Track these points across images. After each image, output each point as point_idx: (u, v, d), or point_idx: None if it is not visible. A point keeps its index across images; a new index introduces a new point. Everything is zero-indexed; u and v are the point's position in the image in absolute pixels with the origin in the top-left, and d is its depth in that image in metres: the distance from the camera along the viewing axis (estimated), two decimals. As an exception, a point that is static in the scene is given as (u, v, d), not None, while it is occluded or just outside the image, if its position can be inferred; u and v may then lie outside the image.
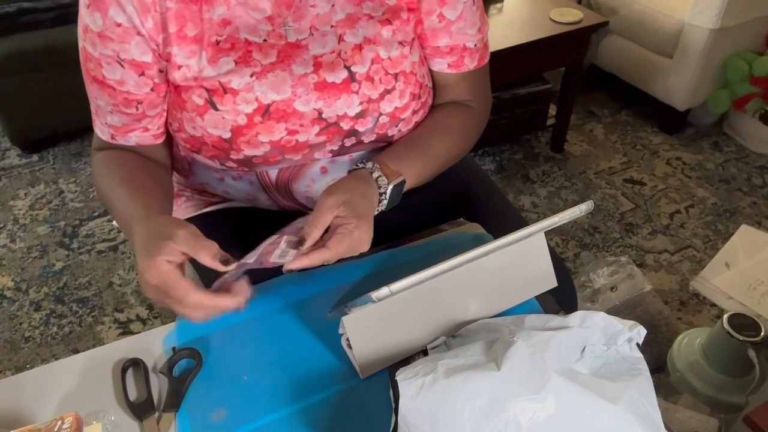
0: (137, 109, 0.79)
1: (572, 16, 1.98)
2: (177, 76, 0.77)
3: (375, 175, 0.79)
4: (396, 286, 0.63)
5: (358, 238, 0.70)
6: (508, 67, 1.95)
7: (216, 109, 0.77)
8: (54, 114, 2.28)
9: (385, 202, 0.78)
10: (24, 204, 2.18)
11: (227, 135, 0.79)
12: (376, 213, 0.78)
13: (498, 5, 2.09)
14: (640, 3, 2.28)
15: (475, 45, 0.88)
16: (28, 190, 2.24)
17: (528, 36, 1.91)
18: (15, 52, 2.13)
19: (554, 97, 2.25)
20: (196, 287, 0.65)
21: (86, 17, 0.74)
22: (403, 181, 0.81)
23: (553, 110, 2.28)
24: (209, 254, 0.65)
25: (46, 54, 2.16)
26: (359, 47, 0.80)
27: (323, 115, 0.80)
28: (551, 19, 1.98)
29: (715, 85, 2.31)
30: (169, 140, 0.88)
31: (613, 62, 2.49)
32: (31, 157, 2.41)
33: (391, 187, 0.78)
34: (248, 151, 0.80)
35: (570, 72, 2.16)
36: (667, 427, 0.60)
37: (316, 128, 0.81)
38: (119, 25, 0.73)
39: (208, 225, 0.93)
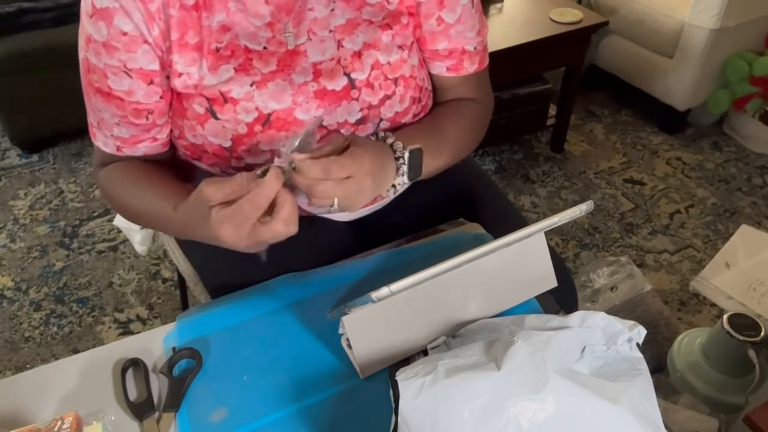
0: (147, 119, 0.79)
1: (572, 16, 1.98)
2: (177, 83, 0.76)
3: (389, 141, 0.77)
4: (396, 286, 0.63)
5: (360, 163, 0.68)
6: (508, 67, 1.95)
7: (216, 118, 0.77)
8: (54, 114, 2.28)
9: (405, 167, 0.76)
10: (24, 204, 2.18)
11: (227, 144, 0.79)
12: (397, 184, 0.76)
13: (498, 5, 2.09)
14: (640, 3, 2.28)
15: (475, 48, 0.88)
16: (28, 190, 2.24)
17: (528, 36, 1.91)
18: (15, 52, 2.13)
19: (554, 97, 2.25)
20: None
21: (89, 27, 0.73)
22: (420, 149, 0.77)
23: (553, 110, 2.28)
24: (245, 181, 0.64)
25: (46, 54, 2.16)
26: (358, 54, 0.79)
27: (324, 123, 0.80)
28: (551, 19, 1.98)
29: (715, 85, 2.31)
30: (171, 146, 0.88)
31: (613, 62, 2.49)
32: (31, 157, 2.41)
33: (407, 153, 0.76)
34: (249, 159, 0.80)
35: (570, 72, 2.16)
36: (667, 427, 0.60)
37: (317, 136, 0.81)
38: (125, 33, 0.72)
39: None
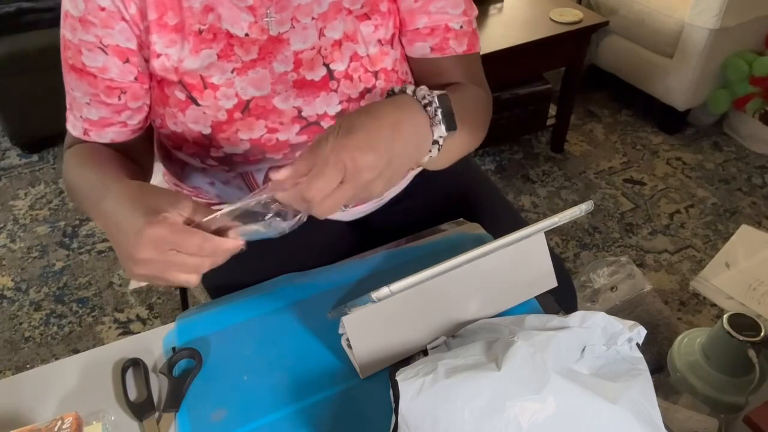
0: (119, 98, 0.78)
1: (572, 16, 1.98)
2: (156, 64, 0.76)
3: (409, 90, 0.66)
4: (396, 286, 0.63)
5: (341, 152, 0.57)
6: (508, 67, 1.95)
7: (197, 104, 0.77)
8: (54, 114, 2.26)
9: (440, 113, 0.64)
10: (24, 204, 2.18)
11: (207, 131, 0.79)
12: (438, 138, 0.65)
13: (498, 5, 2.09)
14: (640, 3, 2.28)
15: (461, 27, 0.83)
16: (28, 190, 2.24)
17: (528, 36, 1.91)
18: (15, 52, 2.13)
19: (554, 97, 2.25)
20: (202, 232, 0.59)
21: (67, 2, 0.73)
22: (446, 94, 0.65)
23: (553, 110, 2.28)
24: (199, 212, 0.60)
25: (46, 54, 2.16)
26: (339, 43, 0.79)
27: (303, 114, 0.80)
28: (551, 19, 1.98)
29: (715, 85, 2.31)
30: (140, 138, 0.86)
31: (613, 62, 2.49)
32: (31, 157, 2.41)
33: (435, 95, 0.64)
34: (228, 149, 0.80)
35: (570, 72, 2.16)
36: (667, 427, 0.60)
37: (297, 127, 0.80)
38: (103, 9, 0.72)
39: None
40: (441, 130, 0.65)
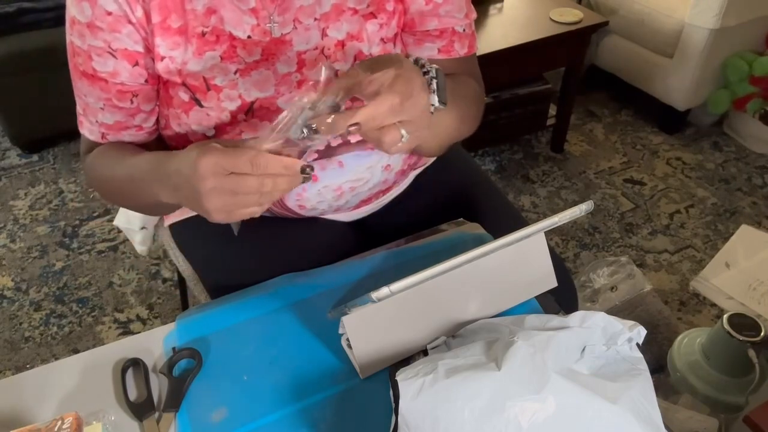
0: (132, 102, 0.78)
1: (572, 16, 1.98)
2: (160, 67, 0.76)
3: (412, 57, 0.70)
4: (396, 286, 0.63)
5: (408, 80, 0.61)
6: (508, 67, 1.95)
7: (201, 105, 0.77)
8: (54, 114, 2.27)
9: (435, 83, 0.67)
10: (24, 204, 2.18)
11: (211, 133, 0.79)
12: (431, 104, 0.68)
13: (498, 5, 2.09)
14: (640, 3, 2.28)
15: (464, 30, 0.86)
16: (28, 190, 2.24)
17: (528, 36, 1.91)
18: (15, 52, 2.13)
19: (554, 97, 2.25)
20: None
21: (73, 8, 0.73)
22: (440, 69, 0.69)
23: (553, 110, 2.28)
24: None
25: (46, 54, 2.16)
26: (342, 44, 0.79)
27: None
28: (551, 19, 1.98)
29: (715, 85, 2.31)
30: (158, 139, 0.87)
31: (613, 62, 2.49)
32: (31, 157, 2.41)
33: (434, 67, 0.68)
34: None
35: (570, 72, 2.16)
36: (667, 427, 0.60)
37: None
38: (110, 13, 0.72)
39: (202, 227, 0.93)
40: (434, 99, 0.67)
